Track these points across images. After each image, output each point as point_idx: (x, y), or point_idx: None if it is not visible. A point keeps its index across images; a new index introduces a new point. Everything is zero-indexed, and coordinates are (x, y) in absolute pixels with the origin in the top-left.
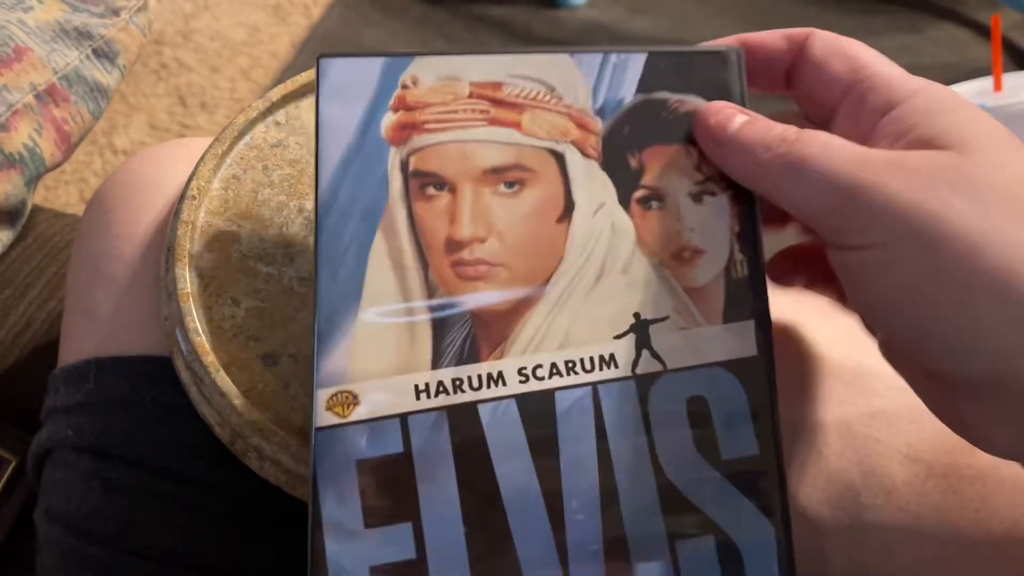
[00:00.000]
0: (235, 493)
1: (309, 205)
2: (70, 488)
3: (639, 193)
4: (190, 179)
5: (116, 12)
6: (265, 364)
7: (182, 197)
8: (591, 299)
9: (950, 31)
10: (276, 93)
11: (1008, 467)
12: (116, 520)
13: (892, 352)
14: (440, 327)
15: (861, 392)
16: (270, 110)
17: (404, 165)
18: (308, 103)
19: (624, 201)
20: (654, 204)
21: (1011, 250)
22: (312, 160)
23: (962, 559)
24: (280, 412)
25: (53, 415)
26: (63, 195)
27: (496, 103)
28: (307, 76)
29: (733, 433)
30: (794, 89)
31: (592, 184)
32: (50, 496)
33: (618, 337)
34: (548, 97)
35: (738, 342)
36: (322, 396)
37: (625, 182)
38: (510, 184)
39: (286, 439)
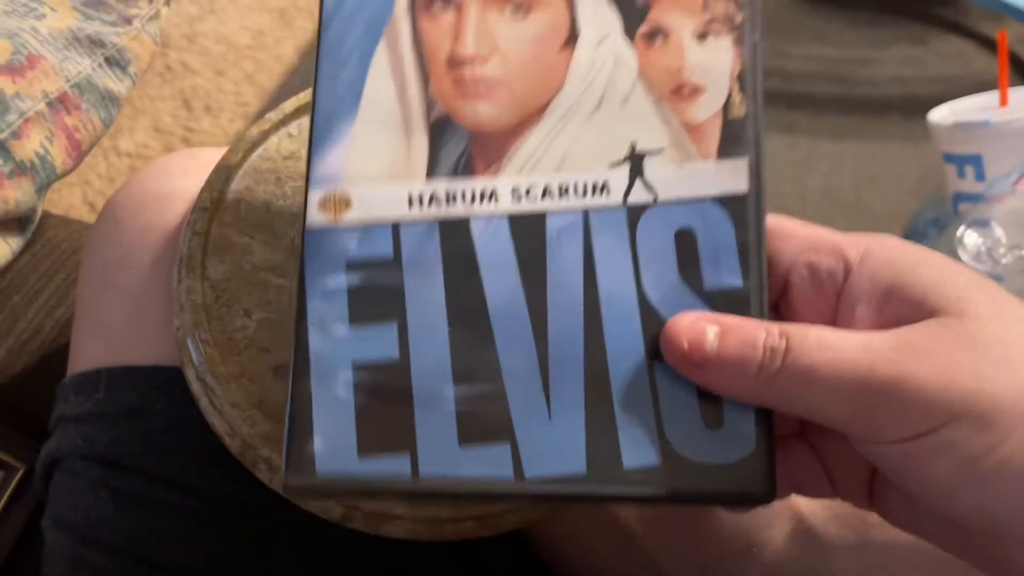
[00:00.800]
0: (245, 504)
1: None
2: (78, 497)
3: (644, 28)
4: (203, 190)
5: (128, 21)
6: (276, 376)
7: (195, 208)
8: (589, 126)
9: (955, 44)
10: (290, 105)
11: None
12: (124, 529)
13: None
14: (437, 139)
15: None
16: (284, 122)
17: None
18: None
19: (629, 34)
20: (658, 39)
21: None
22: None
23: None
24: None
25: (62, 424)
26: (67, 197)
27: None
28: None
29: (718, 265)
30: None
31: (598, 15)
32: (58, 504)
33: (613, 166)
34: None
35: (730, 178)
36: (314, 196)
37: (631, 15)
38: (516, 7)
39: None
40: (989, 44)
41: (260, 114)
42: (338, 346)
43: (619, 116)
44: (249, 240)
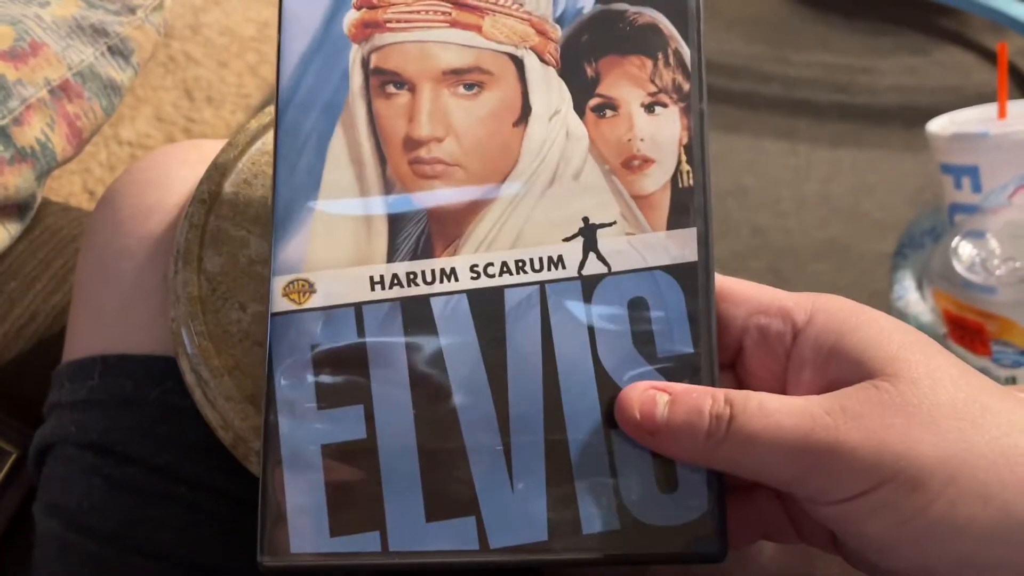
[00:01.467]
0: (237, 495)
1: None
2: (71, 483)
3: (594, 101)
4: (201, 183)
5: (132, 10)
6: None
7: (192, 200)
8: (543, 202)
9: (956, 55)
10: None
11: None
12: (116, 517)
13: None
14: (396, 222)
15: None
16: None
17: (365, 62)
18: None
19: (579, 108)
20: (608, 112)
21: (985, 468)
22: None
23: None
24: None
25: (56, 410)
26: (67, 184)
27: (458, 6)
28: None
29: (671, 333)
30: None
31: (549, 90)
32: (50, 490)
33: (567, 240)
34: (509, 2)
35: (680, 248)
36: (278, 283)
37: (581, 89)
38: (469, 86)
39: None
40: (990, 56)
41: (262, 106)
42: (307, 429)
43: (572, 190)
44: (246, 234)
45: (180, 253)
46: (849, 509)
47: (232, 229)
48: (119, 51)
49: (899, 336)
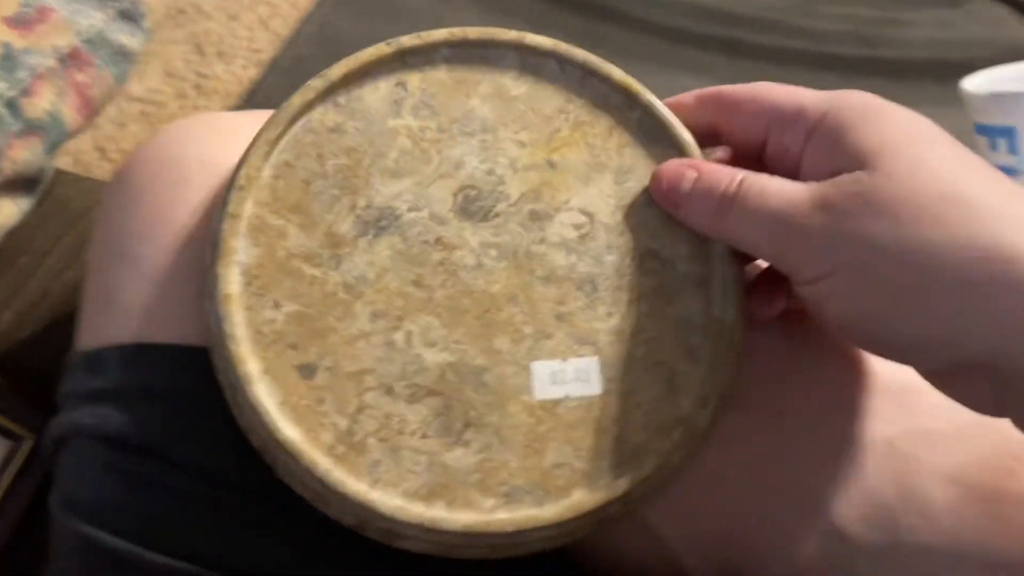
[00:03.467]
0: (264, 495)
1: (362, 203)
2: (87, 478)
3: None
4: (239, 166)
5: None
6: (301, 375)
7: (230, 186)
8: None
9: (989, 7)
10: (337, 72)
11: None
12: (136, 513)
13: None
14: None
15: (907, 411)
16: (330, 90)
17: None
18: (372, 86)
19: None
20: None
21: (929, 255)
22: (370, 152)
23: None
24: (311, 429)
25: (71, 400)
26: (77, 141)
27: None
28: (372, 53)
29: None
30: (722, 140)
31: None
32: (66, 484)
33: None
34: None
35: None
36: None
37: None
38: None
39: (313, 459)
40: (1022, 8)
41: (274, 61)
42: None
43: None
44: (284, 223)
45: (215, 246)
46: (815, 290)
47: (270, 217)
48: (129, 15)
49: (903, 129)
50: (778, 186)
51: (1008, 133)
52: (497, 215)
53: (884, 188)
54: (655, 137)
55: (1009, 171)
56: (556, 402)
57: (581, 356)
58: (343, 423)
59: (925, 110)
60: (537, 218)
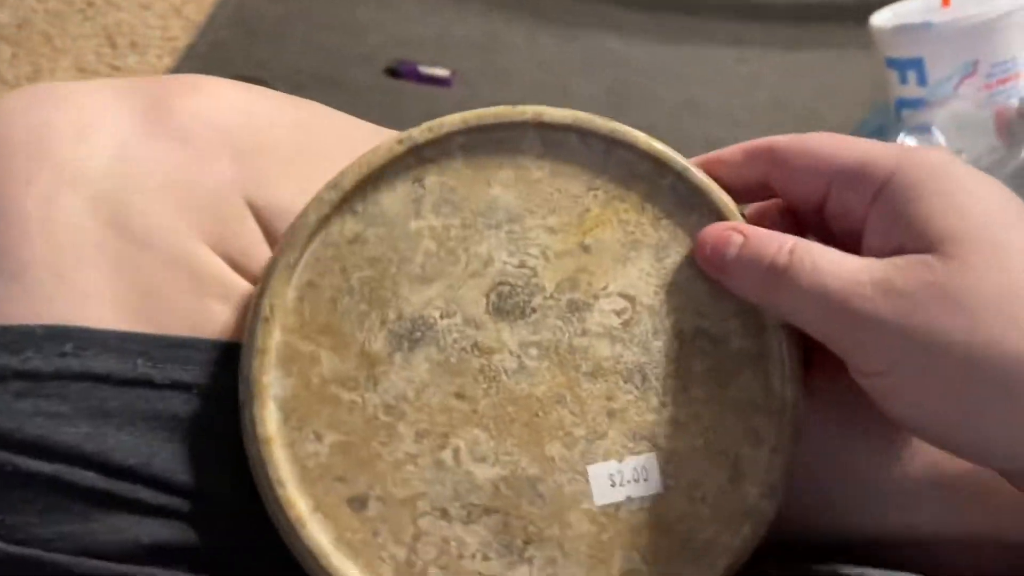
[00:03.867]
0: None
1: (392, 315)
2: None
3: None
4: (260, 294)
5: None
6: (353, 509)
7: (255, 317)
8: None
9: None
10: (349, 179)
11: None
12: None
13: None
14: None
15: None
16: (345, 200)
17: None
18: (388, 188)
19: None
20: None
21: (1005, 361)
22: (395, 259)
23: (880, 503)
24: (369, 564)
25: None
26: None
27: None
28: (384, 154)
29: None
30: (777, 196)
31: None
32: None
33: None
34: None
35: None
36: None
37: None
38: None
39: None
40: None
41: (190, 48)
42: None
43: None
44: (315, 348)
45: (247, 384)
46: (877, 383)
47: (300, 343)
48: None
49: (980, 206)
50: (834, 260)
51: (916, 65)
52: (534, 310)
53: (959, 279)
54: (692, 204)
55: (918, 103)
56: (617, 506)
57: (638, 454)
58: (402, 554)
59: (847, 53)
60: (576, 308)
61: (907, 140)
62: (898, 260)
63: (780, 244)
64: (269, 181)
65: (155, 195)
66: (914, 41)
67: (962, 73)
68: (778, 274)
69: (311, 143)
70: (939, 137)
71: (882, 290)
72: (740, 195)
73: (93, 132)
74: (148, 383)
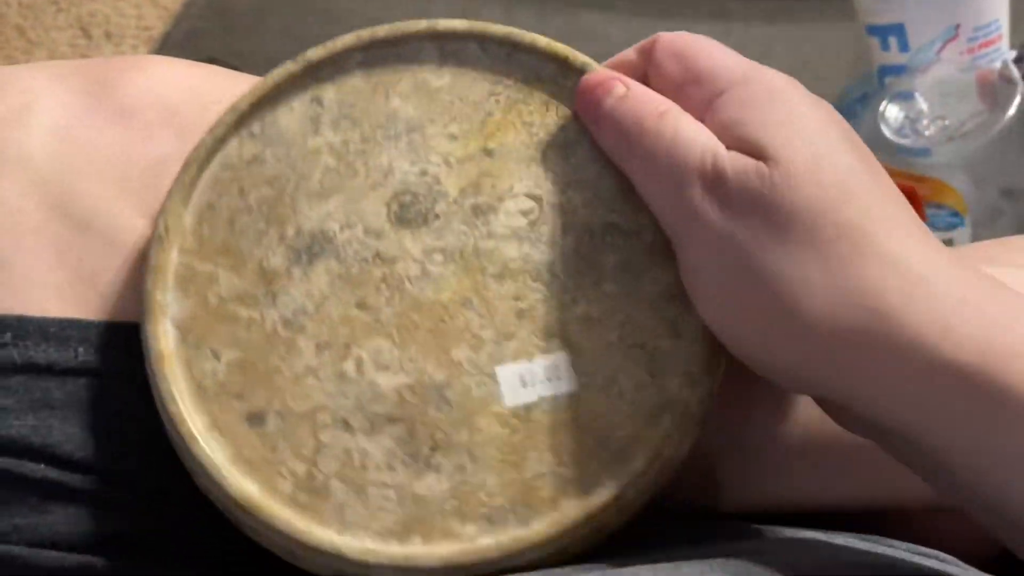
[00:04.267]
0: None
1: (291, 231)
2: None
3: None
4: (158, 215)
5: None
6: (251, 425)
7: (152, 237)
8: None
9: None
10: (245, 100)
11: None
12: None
13: None
14: None
15: None
16: (241, 121)
17: None
18: (285, 107)
19: None
20: None
21: (792, 285)
22: (293, 177)
23: (857, 471)
24: (268, 481)
25: None
26: None
27: None
28: (279, 73)
29: None
30: None
31: None
32: None
33: None
34: None
35: None
36: None
37: None
38: None
39: (272, 513)
40: None
41: (165, 37)
42: None
43: None
44: (213, 268)
45: (144, 303)
46: (693, 281)
47: (198, 265)
48: None
49: (805, 126)
50: (692, 134)
51: (898, 30)
52: (437, 217)
53: (778, 190)
54: None
55: (901, 69)
56: (529, 407)
57: (550, 352)
58: (301, 468)
59: (830, 24)
60: (481, 212)
61: (890, 107)
62: (735, 166)
63: (656, 106)
64: None
65: (96, 176)
66: (895, 7)
67: (944, 37)
68: (642, 134)
69: None
70: (922, 103)
71: (714, 192)
72: None
73: (31, 114)
74: (90, 372)
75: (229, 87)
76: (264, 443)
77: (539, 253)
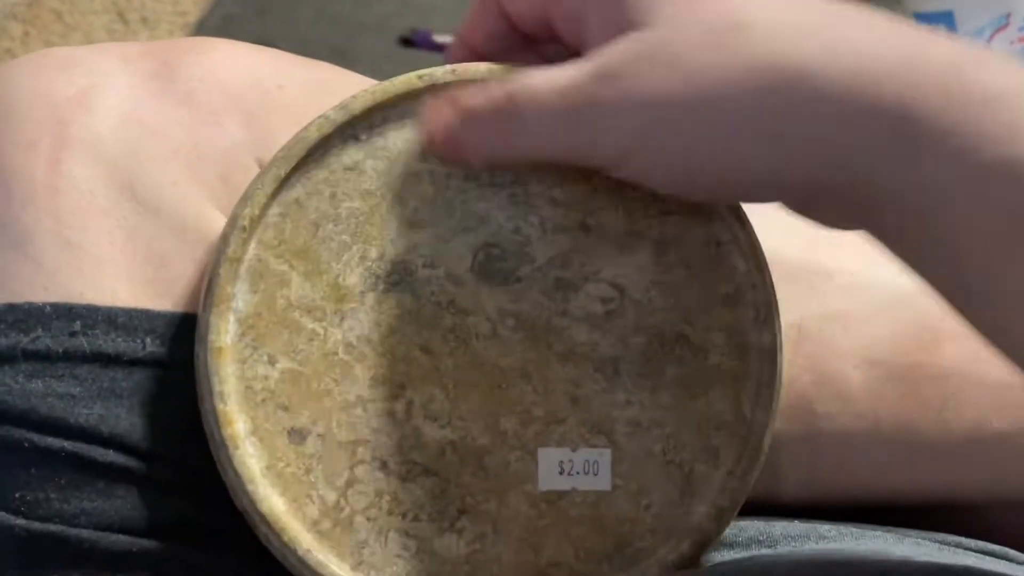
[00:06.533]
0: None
1: (374, 253)
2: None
3: None
4: (241, 203)
5: None
6: (291, 440)
7: (232, 225)
8: None
9: None
10: (359, 103)
11: (973, 365)
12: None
13: None
14: None
15: (815, 293)
16: (350, 124)
17: None
18: (397, 122)
19: None
20: None
21: (716, 96)
22: (389, 197)
23: (921, 463)
24: (296, 500)
25: None
26: None
27: None
28: (400, 85)
29: None
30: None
31: None
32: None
33: None
34: None
35: None
36: None
37: None
38: None
39: (295, 536)
40: None
41: (201, 23)
42: None
43: None
44: (288, 269)
45: (210, 290)
46: (630, 173)
47: (274, 262)
48: None
49: None
50: (548, 78)
51: (946, 18)
52: (519, 280)
53: (663, 40)
54: (708, 212)
55: None
56: (561, 495)
57: (593, 447)
58: (331, 497)
59: (867, 9)
60: (563, 287)
61: None
62: (607, 49)
63: (488, 88)
64: (280, 142)
65: (164, 159)
66: None
67: (995, 26)
68: (503, 120)
69: (322, 104)
70: None
71: (599, 78)
72: (508, 49)
73: (100, 96)
74: (157, 363)
75: (289, 71)
76: (300, 461)
77: (607, 345)
